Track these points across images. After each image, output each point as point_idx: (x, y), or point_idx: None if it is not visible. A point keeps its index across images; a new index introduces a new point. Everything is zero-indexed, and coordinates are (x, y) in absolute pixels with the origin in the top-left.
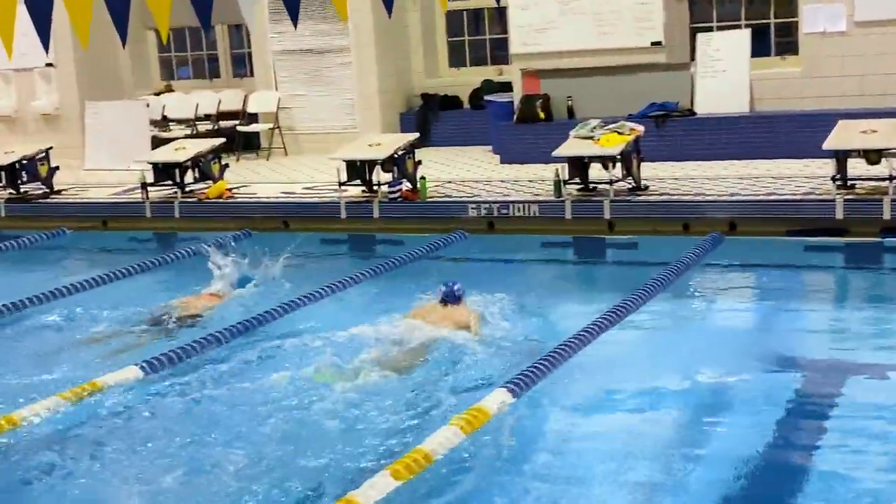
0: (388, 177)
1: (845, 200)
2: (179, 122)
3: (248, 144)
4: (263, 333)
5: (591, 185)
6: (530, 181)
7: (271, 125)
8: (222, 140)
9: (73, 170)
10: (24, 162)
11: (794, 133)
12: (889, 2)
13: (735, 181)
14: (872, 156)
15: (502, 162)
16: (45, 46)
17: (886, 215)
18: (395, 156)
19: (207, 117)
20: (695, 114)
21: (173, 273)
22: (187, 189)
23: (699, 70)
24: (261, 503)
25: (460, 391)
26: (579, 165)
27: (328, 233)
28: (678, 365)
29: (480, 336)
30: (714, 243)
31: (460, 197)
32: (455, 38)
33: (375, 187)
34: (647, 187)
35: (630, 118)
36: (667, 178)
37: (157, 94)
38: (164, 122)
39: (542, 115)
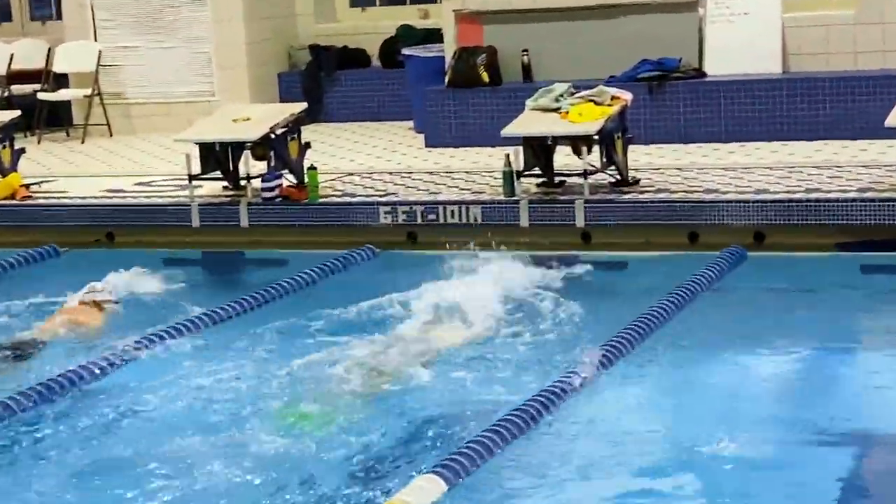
0: (261, 167)
1: None
2: None
3: (53, 119)
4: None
5: (558, 179)
6: (469, 173)
7: (88, 91)
8: (15, 113)
9: None
10: None
11: (846, 103)
12: None
13: (762, 172)
14: None
15: (428, 145)
16: None
17: None
18: (272, 136)
19: None
20: (705, 75)
21: None
22: None
23: (710, 13)
24: None
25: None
26: (540, 150)
27: (173, 249)
28: (682, 439)
29: None
30: (733, 262)
31: (368, 196)
32: None
33: (243, 182)
34: (637, 181)
35: (612, 82)
36: (665, 167)
37: None
38: None
39: (485, 76)
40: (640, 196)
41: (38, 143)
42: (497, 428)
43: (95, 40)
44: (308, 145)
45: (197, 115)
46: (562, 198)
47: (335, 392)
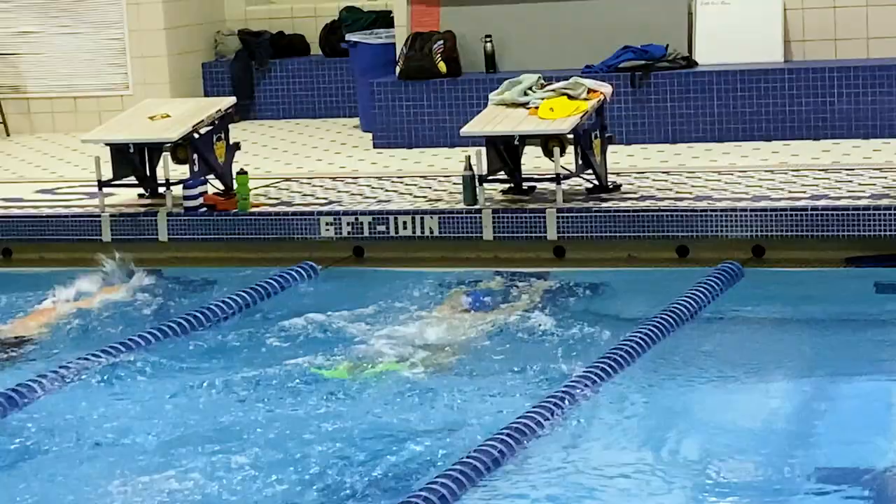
0: (183, 171)
1: None
2: None
3: None
4: None
5: (526, 185)
6: (424, 178)
7: None
8: None
9: None
10: None
11: (858, 97)
12: None
13: (762, 176)
14: None
15: (377, 145)
16: None
17: None
18: (195, 136)
19: None
20: (695, 64)
21: None
22: None
23: None
24: None
25: None
26: (506, 151)
27: (80, 268)
28: (665, 478)
29: None
30: (728, 279)
31: (307, 205)
32: None
33: (162, 189)
34: (617, 187)
35: (589, 72)
36: (650, 170)
37: None
38: None
39: (442, 66)
40: (621, 204)
41: None
42: (464, 465)
43: None
44: (237, 146)
45: (108, 111)
46: (531, 206)
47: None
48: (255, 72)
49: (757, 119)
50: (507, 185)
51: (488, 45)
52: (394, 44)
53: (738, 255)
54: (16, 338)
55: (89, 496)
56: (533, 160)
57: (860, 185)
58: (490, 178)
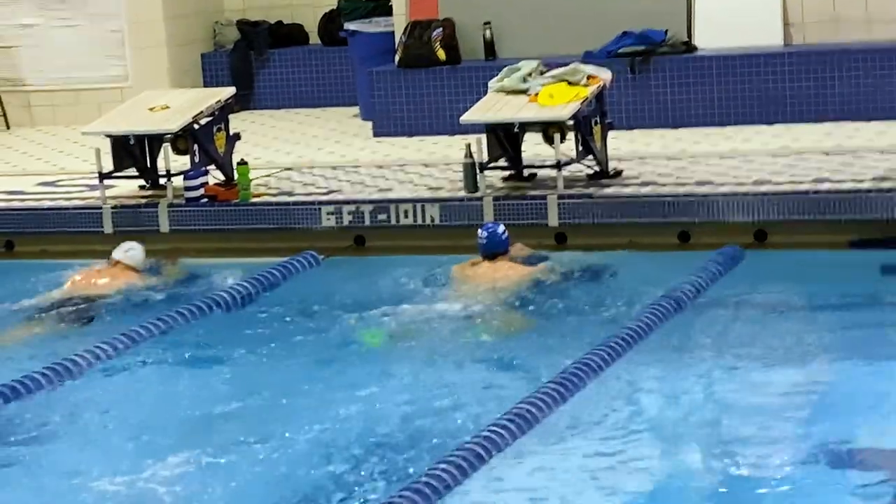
0: (184, 162)
1: None
2: None
3: None
4: None
5: (527, 172)
6: (425, 166)
7: None
8: None
9: None
10: None
11: (859, 80)
12: None
13: (763, 160)
14: None
15: (377, 134)
16: None
17: None
18: (195, 127)
19: None
20: (695, 49)
21: None
22: None
23: None
24: None
25: None
26: (506, 138)
27: (83, 258)
28: (668, 462)
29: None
30: (730, 262)
31: (308, 195)
32: None
33: (163, 181)
34: (618, 173)
35: (588, 58)
36: (651, 156)
37: None
38: None
39: (441, 54)
40: (623, 190)
41: None
42: (471, 446)
43: None
44: (237, 137)
45: (108, 103)
46: (532, 193)
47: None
48: (254, 62)
49: (758, 103)
50: (507, 173)
51: (487, 32)
52: (392, 32)
53: (740, 240)
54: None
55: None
56: (533, 147)
57: (863, 168)
58: (490, 165)
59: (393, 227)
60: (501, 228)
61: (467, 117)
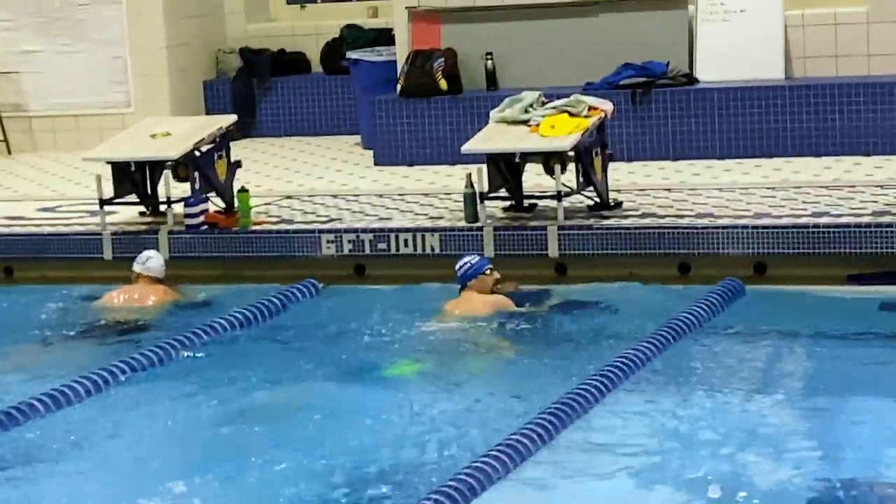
0: (184, 189)
1: None
2: None
3: None
4: None
5: (528, 202)
6: (425, 195)
7: None
8: None
9: None
10: None
11: (860, 113)
12: None
13: (763, 194)
14: None
15: (378, 163)
16: None
17: None
18: (196, 154)
19: None
20: (696, 82)
21: None
22: None
23: (702, 11)
24: None
25: None
26: (507, 169)
27: (83, 285)
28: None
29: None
30: (730, 296)
31: (308, 223)
32: None
33: (163, 208)
34: (618, 204)
35: (589, 90)
36: (651, 188)
37: None
38: None
39: (443, 84)
40: (623, 221)
41: None
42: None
43: None
44: (238, 164)
45: (110, 129)
46: (532, 224)
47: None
48: (256, 89)
49: (758, 136)
50: (508, 203)
51: (489, 62)
52: (395, 61)
53: (740, 273)
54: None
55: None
56: (534, 177)
57: (861, 202)
58: (491, 195)
59: (393, 255)
60: (465, 259)
61: (468, 147)
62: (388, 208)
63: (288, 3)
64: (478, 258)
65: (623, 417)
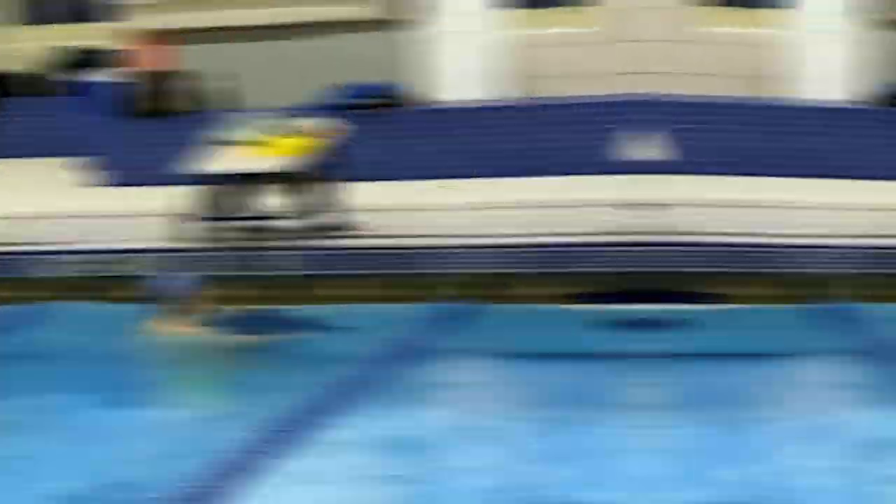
0: None
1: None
2: None
3: None
4: None
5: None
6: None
7: None
8: None
9: None
10: None
11: (586, 133)
12: None
13: (489, 216)
14: None
15: (116, 183)
16: None
17: None
18: None
19: None
20: (427, 103)
21: None
22: None
23: (433, 30)
24: None
25: None
26: (241, 189)
27: None
28: None
29: None
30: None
31: (22, 242)
32: None
33: None
34: (352, 227)
35: (323, 110)
36: (388, 208)
37: None
38: None
39: (171, 104)
40: (358, 242)
41: None
42: None
43: None
44: None
45: None
46: (268, 244)
47: None
48: None
49: (487, 157)
50: (241, 224)
51: (226, 83)
52: (123, 82)
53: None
54: None
55: None
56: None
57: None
58: (206, 216)
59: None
60: (166, 280)
61: (197, 168)
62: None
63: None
64: (181, 279)
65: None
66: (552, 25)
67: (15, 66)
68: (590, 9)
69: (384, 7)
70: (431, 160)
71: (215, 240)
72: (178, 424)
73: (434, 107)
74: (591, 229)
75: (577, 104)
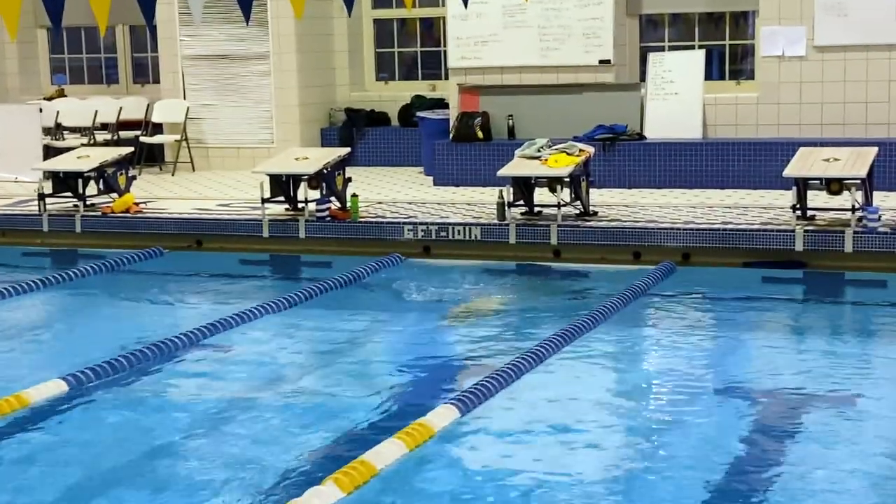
0: (315, 194)
1: (805, 231)
2: (74, 130)
3: (150, 157)
4: (177, 356)
5: (538, 209)
6: (469, 204)
7: (178, 137)
8: (130, 149)
9: None
10: None
11: (750, 162)
12: (850, 27)
13: (688, 209)
14: (834, 185)
15: (436, 184)
16: None
17: (848, 248)
18: (324, 171)
19: (105, 126)
20: (644, 138)
21: (74, 291)
22: (89, 202)
23: (650, 91)
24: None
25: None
26: (525, 187)
27: (248, 253)
28: (624, 396)
29: None
30: (666, 273)
31: (394, 218)
32: (384, 49)
33: (301, 205)
34: (595, 213)
35: (577, 139)
36: (615, 204)
37: (49, 98)
38: (57, 130)
39: (479, 134)
40: (598, 224)
41: (139, 174)
42: (494, 377)
43: (184, 98)
44: (350, 179)
45: (258, 157)
46: (540, 223)
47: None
48: (355, 135)
49: (684, 174)
50: (524, 209)
51: (510, 121)
52: (448, 119)
53: (673, 258)
54: None
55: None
56: (543, 194)
57: (752, 216)
58: (514, 204)
59: (449, 240)
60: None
61: (501, 172)
62: (445, 211)
63: (377, 80)
64: None
65: (583, 360)
66: (728, 91)
67: (371, 106)
68: (752, 82)
69: (618, 74)
70: (642, 175)
71: (513, 219)
72: None
73: (646, 141)
74: (749, 219)
75: (743, 143)
